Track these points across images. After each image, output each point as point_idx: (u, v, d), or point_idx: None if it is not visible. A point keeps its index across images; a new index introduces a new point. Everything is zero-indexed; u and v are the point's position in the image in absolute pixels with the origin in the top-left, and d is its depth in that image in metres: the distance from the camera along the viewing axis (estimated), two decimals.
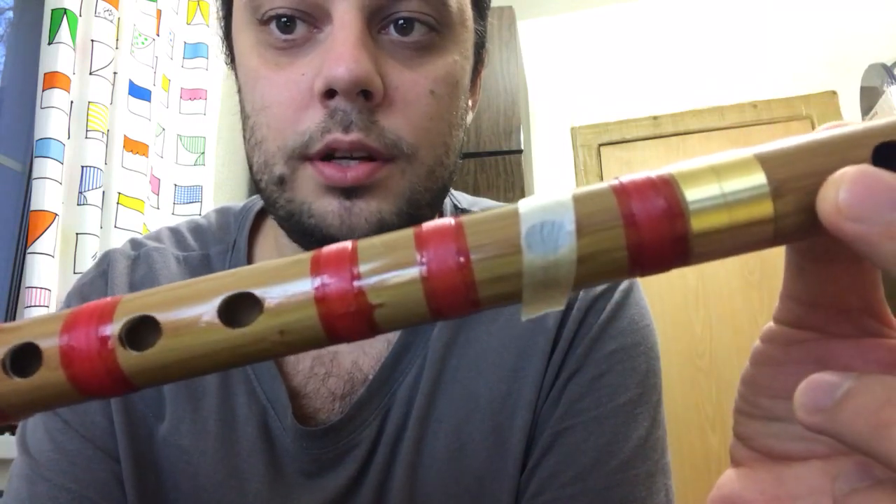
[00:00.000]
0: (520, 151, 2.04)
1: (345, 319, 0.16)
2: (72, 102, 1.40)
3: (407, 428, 0.45)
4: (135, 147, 1.52)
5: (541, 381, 0.46)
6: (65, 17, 1.38)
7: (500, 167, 2.01)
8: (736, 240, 0.15)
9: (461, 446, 0.45)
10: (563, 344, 0.47)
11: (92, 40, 1.45)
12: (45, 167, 1.31)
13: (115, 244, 1.42)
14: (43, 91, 1.35)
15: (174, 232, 0.54)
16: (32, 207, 1.31)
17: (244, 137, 0.45)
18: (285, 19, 0.40)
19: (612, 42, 2.70)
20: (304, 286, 0.16)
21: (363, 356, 0.47)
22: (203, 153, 1.75)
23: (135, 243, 0.53)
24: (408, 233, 0.16)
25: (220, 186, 1.86)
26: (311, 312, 0.16)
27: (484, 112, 2.07)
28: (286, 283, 0.16)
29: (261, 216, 0.54)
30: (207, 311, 0.16)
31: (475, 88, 0.50)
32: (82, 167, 1.40)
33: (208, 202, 1.73)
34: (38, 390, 0.16)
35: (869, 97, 2.22)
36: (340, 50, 0.38)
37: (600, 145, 2.58)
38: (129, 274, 0.50)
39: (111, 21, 1.49)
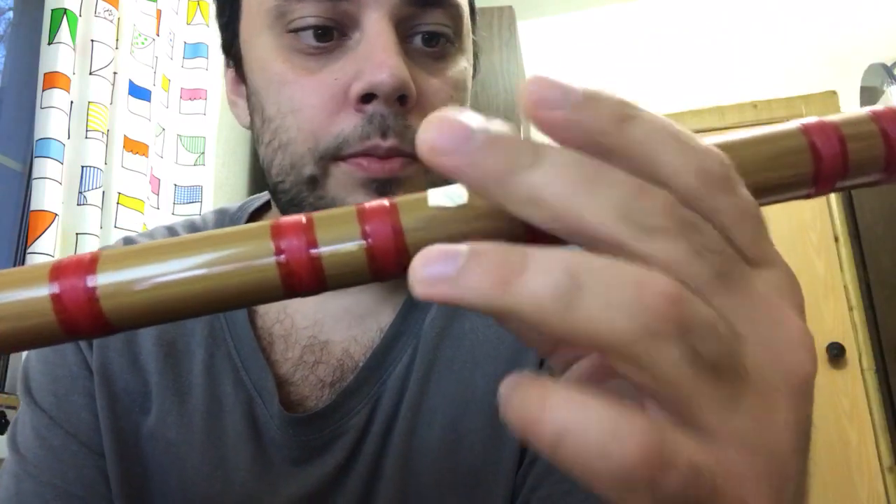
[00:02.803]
0: None
1: (77, 313, 0.18)
2: (72, 102, 1.40)
3: (398, 417, 0.45)
4: (135, 147, 1.52)
5: (537, 372, 0.46)
6: (65, 17, 1.38)
7: None
8: None
9: (457, 438, 0.45)
10: None
11: (92, 40, 1.45)
12: (45, 167, 1.31)
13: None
14: (43, 91, 1.35)
15: (169, 229, 0.55)
16: (32, 207, 1.31)
17: (262, 141, 0.45)
18: (320, 30, 0.41)
19: (612, 42, 2.70)
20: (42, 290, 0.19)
21: (354, 344, 0.48)
22: (203, 153, 1.75)
23: (127, 240, 0.54)
24: (351, 209, 0.19)
25: (220, 186, 1.86)
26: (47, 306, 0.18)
27: (484, 112, 2.05)
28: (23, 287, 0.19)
29: (256, 215, 0.55)
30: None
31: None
32: (82, 167, 1.40)
33: (208, 202, 1.73)
34: None
35: (869, 97, 2.22)
36: (382, 56, 0.39)
37: None
38: None
39: (111, 21, 1.49)
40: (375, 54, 0.39)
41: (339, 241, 0.19)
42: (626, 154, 0.17)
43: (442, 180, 0.18)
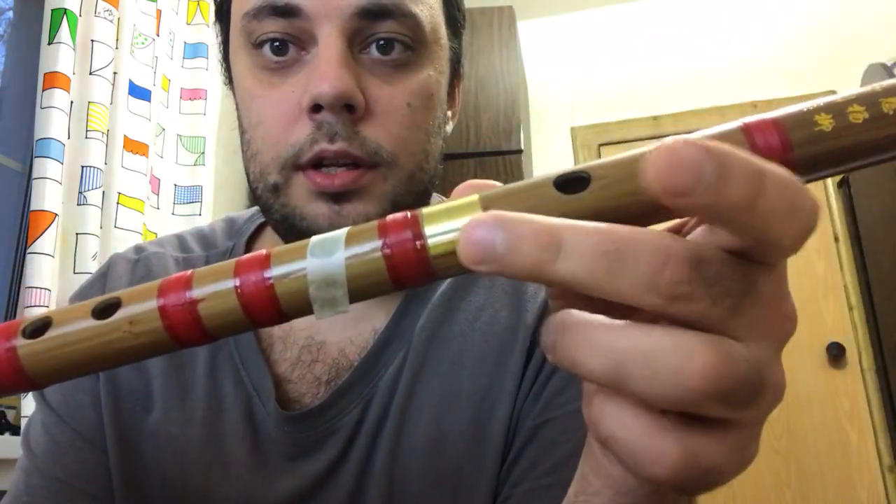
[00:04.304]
0: (520, 151, 2.04)
1: (177, 316, 0.21)
2: (72, 102, 1.40)
3: (388, 417, 0.47)
4: (135, 147, 1.52)
5: (521, 374, 0.48)
6: (65, 17, 1.39)
7: (500, 167, 2.01)
8: None
9: (441, 436, 0.47)
10: None
11: (92, 40, 1.45)
12: (45, 167, 1.31)
13: (115, 244, 1.42)
14: (43, 91, 1.35)
15: (178, 238, 0.58)
16: (32, 207, 1.31)
17: (242, 151, 0.49)
18: (277, 43, 0.45)
19: (612, 42, 2.70)
20: (152, 300, 0.22)
21: (350, 345, 0.50)
22: (203, 153, 1.75)
23: (138, 248, 0.57)
24: (230, 263, 0.22)
25: (220, 186, 1.86)
26: (153, 305, 0.21)
27: (484, 112, 2.07)
28: (143, 295, 0.22)
29: (263, 226, 0.57)
30: (85, 310, 0.22)
31: (453, 100, 0.55)
32: (82, 167, 1.40)
33: (208, 202, 1.73)
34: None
35: None
36: (324, 69, 0.42)
37: (600, 145, 2.58)
38: (130, 276, 0.54)
39: (111, 21, 1.49)
40: (319, 67, 0.43)
41: (221, 297, 0.21)
42: (746, 231, 0.18)
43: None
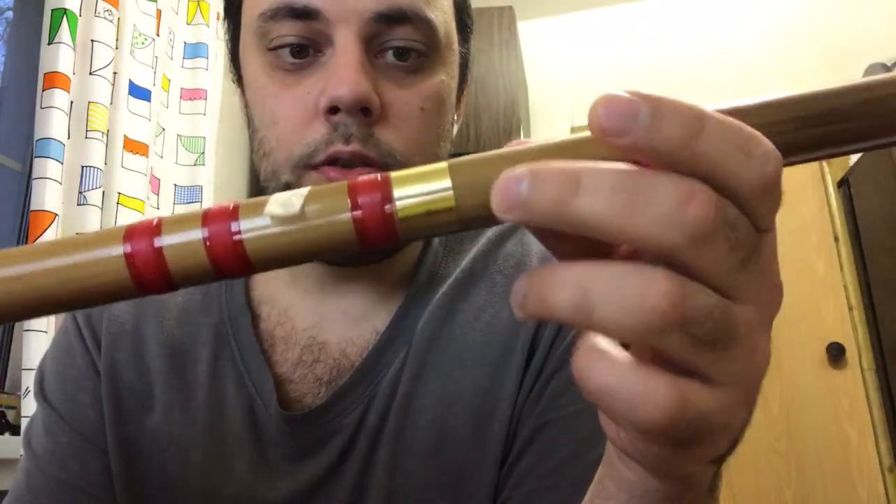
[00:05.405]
0: None
1: (147, 266, 0.21)
2: (72, 102, 1.40)
3: (389, 417, 0.47)
4: (135, 147, 1.52)
5: (521, 376, 0.48)
6: (65, 17, 1.39)
7: None
8: (431, 223, 0.21)
9: (442, 437, 0.47)
10: (545, 341, 0.49)
11: (92, 40, 1.45)
12: (45, 167, 1.31)
13: None
14: (43, 91, 1.35)
15: None
16: (32, 207, 1.31)
17: (253, 150, 0.50)
18: (297, 48, 0.45)
19: (612, 42, 2.70)
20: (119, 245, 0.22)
21: (351, 345, 0.50)
22: (203, 153, 1.75)
23: None
24: (197, 212, 0.22)
25: (219, 186, 1.86)
26: (120, 251, 0.21)
27: (484, 112, 2.07)
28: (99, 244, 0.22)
29: None
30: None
31: (459, 104, 0.55)
32: (82, 167, 1.40)
33: (208, 202, 1.73)
34: None
35: None
36: (343, 72, 0.43)
37: None
38: None
39: (111, 21, 1.49)
40: (338, 71, 0.43)
41: (185, 242, 0.21)
42: (695, 169, 0.19)
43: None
